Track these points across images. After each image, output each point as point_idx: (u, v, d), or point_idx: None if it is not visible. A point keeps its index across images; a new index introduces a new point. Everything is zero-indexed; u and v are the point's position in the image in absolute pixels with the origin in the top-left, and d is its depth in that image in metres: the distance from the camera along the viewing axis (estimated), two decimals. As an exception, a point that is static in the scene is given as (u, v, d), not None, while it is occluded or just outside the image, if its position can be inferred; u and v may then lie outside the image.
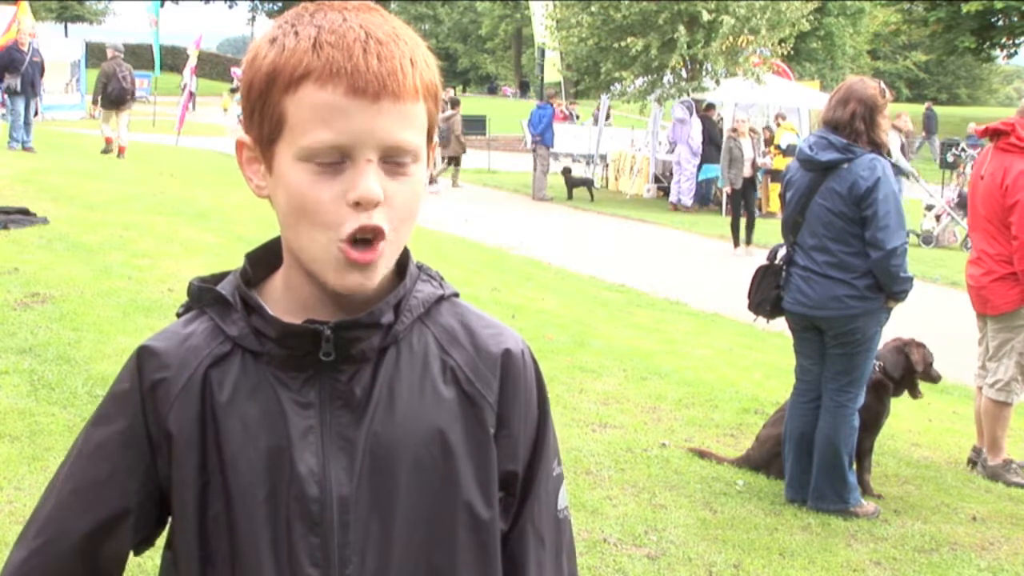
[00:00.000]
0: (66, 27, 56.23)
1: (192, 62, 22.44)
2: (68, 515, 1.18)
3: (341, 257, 1.09)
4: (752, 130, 19.84)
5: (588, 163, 23.47)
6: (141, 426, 1.16)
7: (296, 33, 1.10)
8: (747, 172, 14.34)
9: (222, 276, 1.21)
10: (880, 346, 4.83)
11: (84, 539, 1.17)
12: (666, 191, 21.34)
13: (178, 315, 1.22)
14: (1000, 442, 5.41)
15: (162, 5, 40.43)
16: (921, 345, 5.08)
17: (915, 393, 5.11)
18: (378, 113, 1.07)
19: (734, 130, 14.95)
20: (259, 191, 1.16)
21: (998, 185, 5.20)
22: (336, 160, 1.08)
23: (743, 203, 14.30)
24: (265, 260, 1.21)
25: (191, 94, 22.95)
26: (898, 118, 15.53)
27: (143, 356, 1.18)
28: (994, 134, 5.33)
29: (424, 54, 1.13)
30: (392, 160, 1.09)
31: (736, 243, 14.03)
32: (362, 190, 1.07)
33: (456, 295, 1.25)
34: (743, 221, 14.25)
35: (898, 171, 10.85)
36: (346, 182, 1.08)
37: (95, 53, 38.93)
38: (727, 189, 14.70)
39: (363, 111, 1.07)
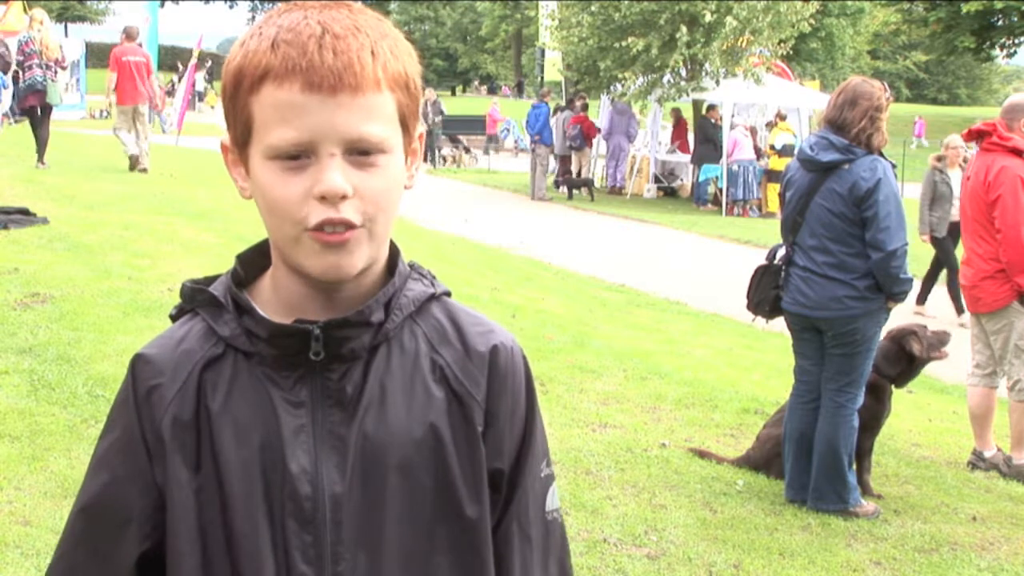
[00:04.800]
0: (66, 27, 56.18)
1: (193, 61, 22.49)
2: (78, 527, 1.20)
3: (313, 243, 1.10)
4: (752, 128, 19.90)
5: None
6: (137, 433, 1.17)
7: (260, 34, 1.11)
8: (954, 215, 9.12)
9: (215, 278, 1.22)
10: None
11: (94, 548, 1.18)
12: (666, 191, 21.38)
13: (171, 317, 1.24)
14: None
15: (162, 5, 40.46)
16: (914, 332, 5.05)
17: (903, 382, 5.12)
18: (337, 107, 1.08)
19: (940, 158, 10.11)
20: (243, 192, 1.18)
21: (981, 183, 5.30)
22: (301, 156, 1.09)
23: (945, 258, 10.07)
24: (255, 261, 1.22)
25: (192, 93, 22.99)
26: None
27: (137, 365, 1.19)
28: (978, 135, 5.47)
29: (391, 45, 1.13)
30: (357, 152, 1.10)
31: (959, 310, 9.57)
32: (326, 184, 1.08)
33: (447, 294, 1.26)
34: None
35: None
36: (312, 177, 1.09)
37: (95, 53, 38.95)
38: (924, 237, 10.00)
39: (321, 106, 1.08)
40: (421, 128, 1.20)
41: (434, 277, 1.25)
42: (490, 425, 1.21)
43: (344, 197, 1.08)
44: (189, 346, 1.18)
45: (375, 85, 1.10)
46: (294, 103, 1.08)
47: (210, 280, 1.22)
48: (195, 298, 1.21)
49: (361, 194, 1.09)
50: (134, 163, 13.34)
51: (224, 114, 1.17)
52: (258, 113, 1.10)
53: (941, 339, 5.07)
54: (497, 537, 1.24)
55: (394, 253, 1.20)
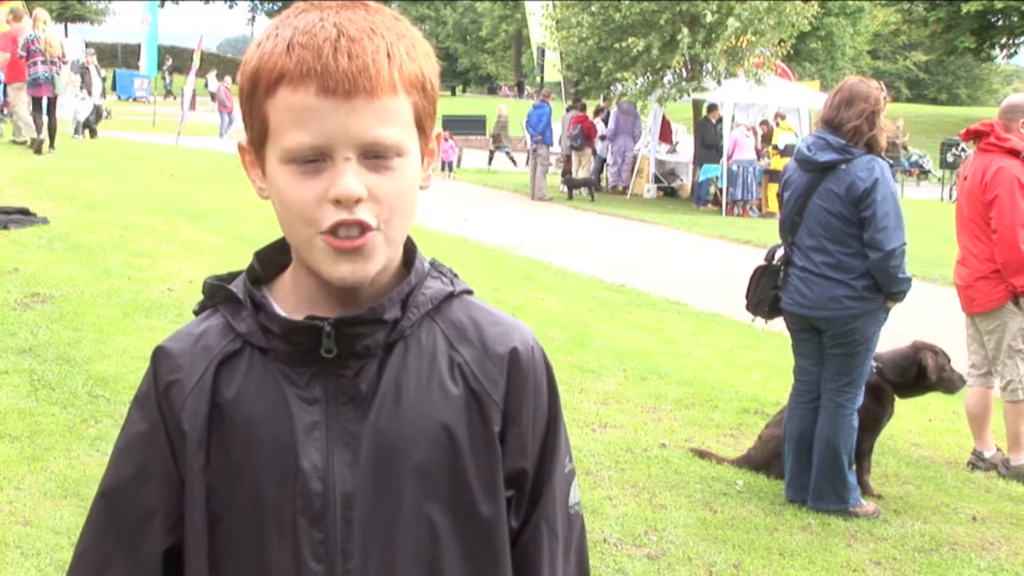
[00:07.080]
0: (66, 27, 56.15)
1: (196, 63, 22.53)
2: (103, 516, 1.21)
3: (328, 248, 1.10)
4: (752, 128, 19.90)
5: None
6: (161, 428, 1.18)
7: (276, 36, 1.12)
8: None
9: (237, 274, 1.23)
10: (892, 347, 4.83)
11: (122, 539, 1.19)
12: (666, 191, 21.38)
13: (195, 313, 1.25)
14: (1023, 439, 5.44)
15: (161, 5, 40.42)
16: (936, 352, 5.03)
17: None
18: (351, 111, 1.08)
19: None
20: (261, 193, 1.18)
21: (978, 183, 5.30)
22: (316, 160, 1.09)
23: None
24: (274, 258, 1.23)
25: (195, 94, 23.06)
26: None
27: (157, 358, 1.20)
28: (976, 135, 5.46)
29: (407, 47, 1.13)
30: (373, 156, 1.10)
31: None
32: (340, 188, 1.08)
33: (468, 292, 1.26)
34: None
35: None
36: (327, 181, 1.09)
37: (96, 53, 38.92)
38: None
39: (336, 110, 1.08)
40: (438, 129, 1.20)
41: (455, 275, 1.25)
42: (510, 426, 1.21)
43: (358, 200, 1.08)
44: (208, 342, 1.19)
45: (391, 88, 1.10)
46: (309, 107, 1.08)
47: (232, 276, 1.23)
48: (215, 295, 1.22)
49: (376, 197, 1.10)
50: (38, 147, 13.43)
51: (242, 115, 1.17)
52: (273, 116, 1.11)
53: (954, 380, 5.05)
54: (525, 534, 1.24)
55: (411, 250, 1.20)
